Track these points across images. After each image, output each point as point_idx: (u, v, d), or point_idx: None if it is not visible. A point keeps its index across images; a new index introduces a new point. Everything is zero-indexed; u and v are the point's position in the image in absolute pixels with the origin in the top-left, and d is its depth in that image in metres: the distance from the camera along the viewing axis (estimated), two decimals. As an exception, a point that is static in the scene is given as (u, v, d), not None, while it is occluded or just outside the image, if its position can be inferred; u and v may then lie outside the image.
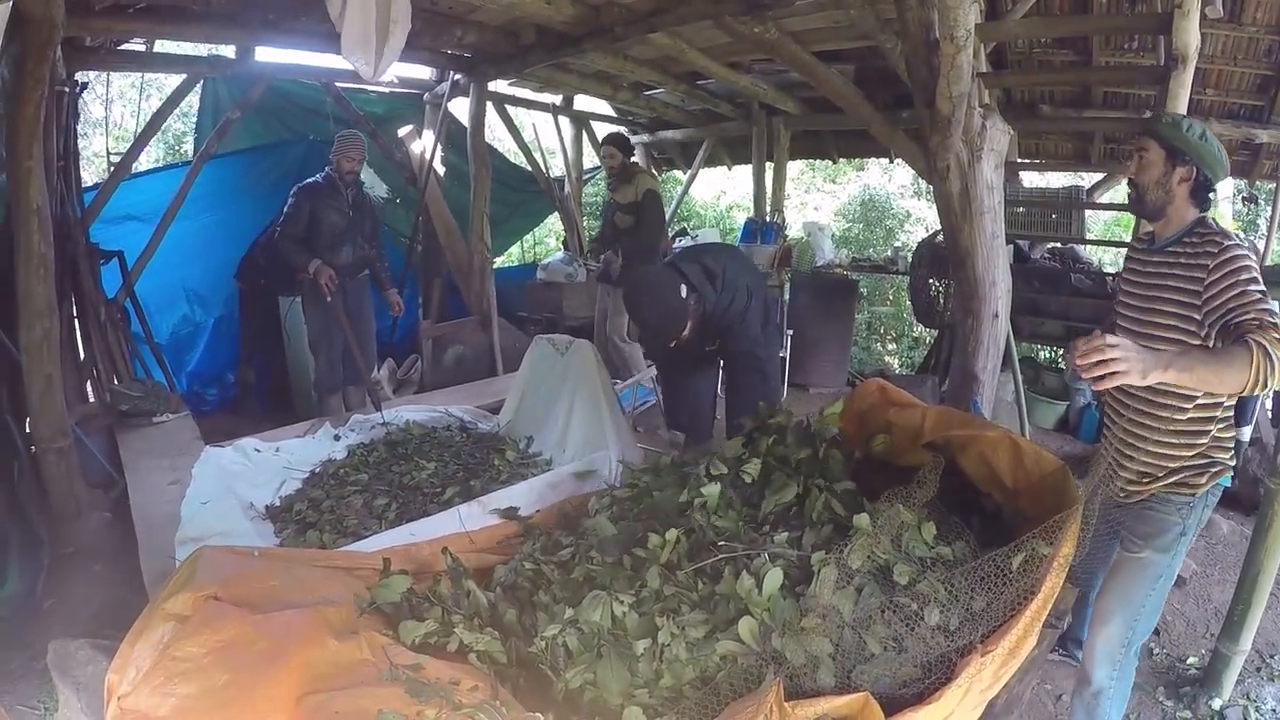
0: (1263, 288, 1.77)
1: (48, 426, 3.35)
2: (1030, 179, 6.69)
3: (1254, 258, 1.84)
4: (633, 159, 5.24)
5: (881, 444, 2.32)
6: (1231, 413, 2.02)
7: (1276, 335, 1.62)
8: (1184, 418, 1.98)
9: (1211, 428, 1.99)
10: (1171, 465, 2.04)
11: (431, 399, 4.36)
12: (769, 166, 7.36)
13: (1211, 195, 2.00)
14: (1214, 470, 2.02)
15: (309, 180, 4.36)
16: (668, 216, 8.73)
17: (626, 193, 4.97)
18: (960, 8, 2.77)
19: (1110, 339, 1.50)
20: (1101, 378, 1.51)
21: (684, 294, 2.85)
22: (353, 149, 4.33)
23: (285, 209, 4.28)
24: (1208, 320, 1.83)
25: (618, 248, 5.13)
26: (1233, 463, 2.04)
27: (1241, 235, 7.12)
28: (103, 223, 4.70)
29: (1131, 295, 2.11)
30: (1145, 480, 2.08)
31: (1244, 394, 1.65)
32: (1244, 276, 1.79)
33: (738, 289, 3.04)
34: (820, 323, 6.28)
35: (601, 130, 8.61)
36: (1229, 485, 2.07)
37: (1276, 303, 1.82)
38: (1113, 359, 1.49)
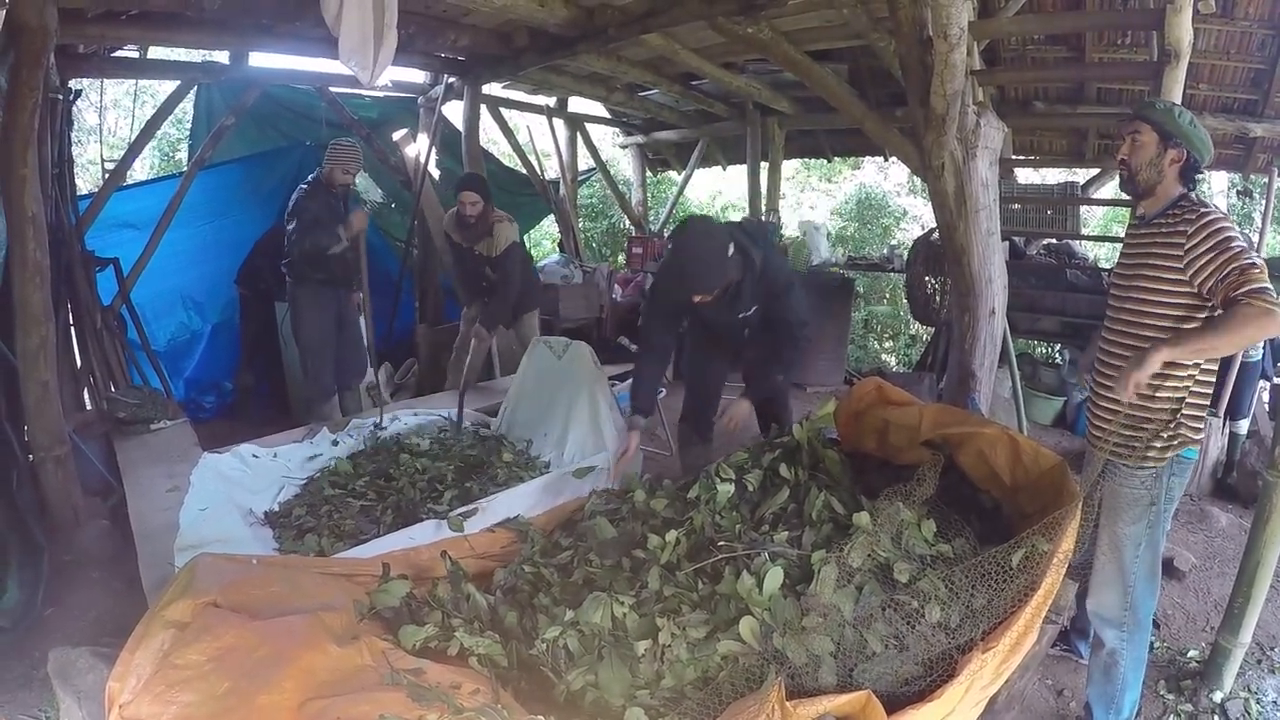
0: (1242, 243, 1.89)
1: (45, 434, 3.34)
2: (1025, 175, 6.70)
3: (1230, 220, 1.96)
4: (489, 204, 4.47)
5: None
6: (1207, 388, 2.09)
7: (1256, 286, 1.79)
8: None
9: (1183, 393, 2.05)
10: (1138, 418, 2.09)
11: (429, 402, 4.35)
12: (764, 166, 7.35)
13: (1199, 176, 2.12)
14: (1177, 441, 2.08)
15: (304, 187, 4.14)
16: (663, 217, 8.82)
17: (488, 245, 4.44)
18: (953, 5, 2.78)
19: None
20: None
21: (729, 252, 2.75)
22: (349, 160, 4.13)
23: (290, 221, 4.06)
24: (1204, 287, 1.92)
25: (485, 300, 4.61)
26: (1199, 437, 2.11)
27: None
28: (98, 229, 4.69)
29: (1122, 266, 2.22)
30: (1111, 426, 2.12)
31: (1245, 345, 1.90)
32: (1221, 237, 1.90)
33: (784, 263, 3.05)
34: (817, 321, 6.23)
35: (596, 132, 8.61)
36: (1194, 458, 2.15)
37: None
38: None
